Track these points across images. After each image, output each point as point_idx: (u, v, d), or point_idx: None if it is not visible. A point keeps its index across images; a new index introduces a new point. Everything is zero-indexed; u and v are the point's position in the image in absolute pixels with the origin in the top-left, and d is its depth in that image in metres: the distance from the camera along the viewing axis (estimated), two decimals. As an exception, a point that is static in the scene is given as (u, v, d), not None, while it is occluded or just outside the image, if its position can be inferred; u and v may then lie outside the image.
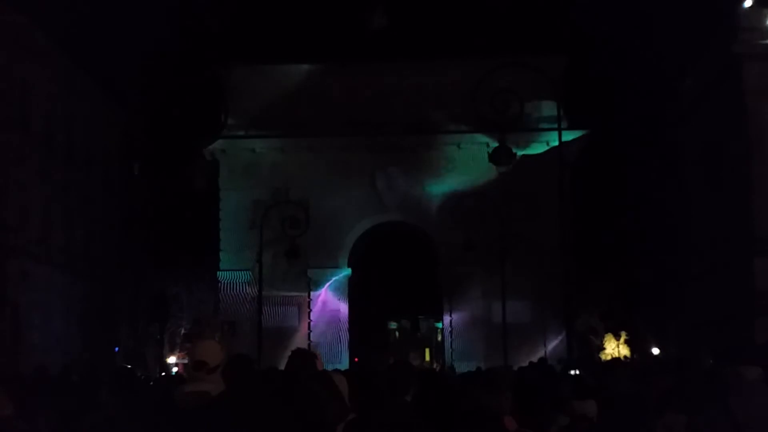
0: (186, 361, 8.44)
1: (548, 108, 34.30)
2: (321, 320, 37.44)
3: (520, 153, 29.92)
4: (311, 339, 36.23)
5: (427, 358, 78.84)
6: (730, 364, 7.79)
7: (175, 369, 45.20)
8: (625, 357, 48.33)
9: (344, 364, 33.24)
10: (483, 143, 35.55)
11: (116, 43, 42.54)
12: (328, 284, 37.82)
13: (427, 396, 6.94)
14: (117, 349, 43.89)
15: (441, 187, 37.45)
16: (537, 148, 36.43)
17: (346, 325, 38.33)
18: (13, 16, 32.79)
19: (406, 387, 6.78)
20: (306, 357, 7.86)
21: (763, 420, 6.90)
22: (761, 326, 30.59)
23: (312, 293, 37.38)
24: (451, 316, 38.16)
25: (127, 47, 43.21)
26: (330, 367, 13.71)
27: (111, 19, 40.47)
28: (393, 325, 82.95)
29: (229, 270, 37.47)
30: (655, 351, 48.33)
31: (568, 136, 32.49)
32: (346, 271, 38.35)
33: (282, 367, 8.24)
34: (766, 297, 31.76)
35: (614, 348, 51.70)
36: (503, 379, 7.18)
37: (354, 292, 39.44)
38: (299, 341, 34.34)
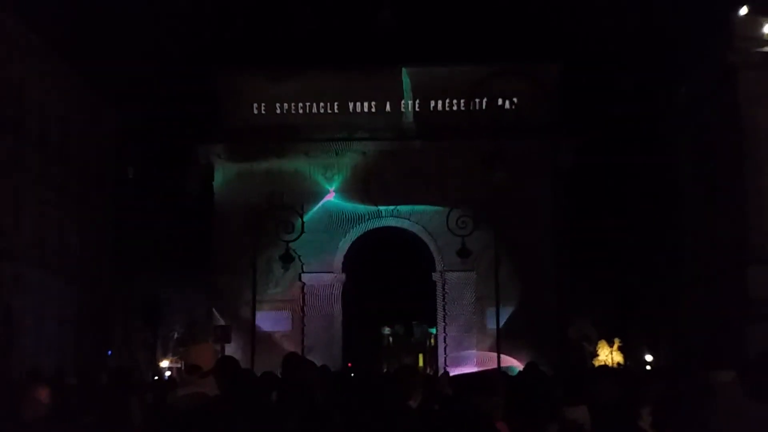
0: (179, 366, 8.45)
1: (544, 114, 34.36)
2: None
3: (515, 159, 29.98)
4: (305, 343, 36.17)
5: (421, 363, 78.63)
6: (705, 368, 7.74)
7: (168, 373, 45.10)
8: (618, 364, 48.36)
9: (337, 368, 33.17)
10: (478, 149, 35.53)
11: (112, 46, 42.47)
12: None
13: (428, 402, 6.93)
14: (110, 352, 43.75)
15: (435, 192, 37.37)
16: (532, 155, 36.40)
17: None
18: (7, 17, 32.69)
19: (412, 392, 6.77)
20: (302, 363, 7.86)
21: (737, 425, 6.86)
22: (754, 334, 30.61)
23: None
24: (445, 321, 38.16)
25: (123, 50, 43.16)
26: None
27: (106, 20, 40.40)
28: (386, 330, 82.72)
29: (222, 274, 37.37)
30: (649, 358, 48.37)
31: (564, 142, 32.58)
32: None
33: (275, 371, 8.22)
34: (759, 305, 31.77)
35: (608, 355, 51.72)
36: (496, 384, 7.17)
37: (348, 297, 39.37)
38: (293, 345, 34.33)
